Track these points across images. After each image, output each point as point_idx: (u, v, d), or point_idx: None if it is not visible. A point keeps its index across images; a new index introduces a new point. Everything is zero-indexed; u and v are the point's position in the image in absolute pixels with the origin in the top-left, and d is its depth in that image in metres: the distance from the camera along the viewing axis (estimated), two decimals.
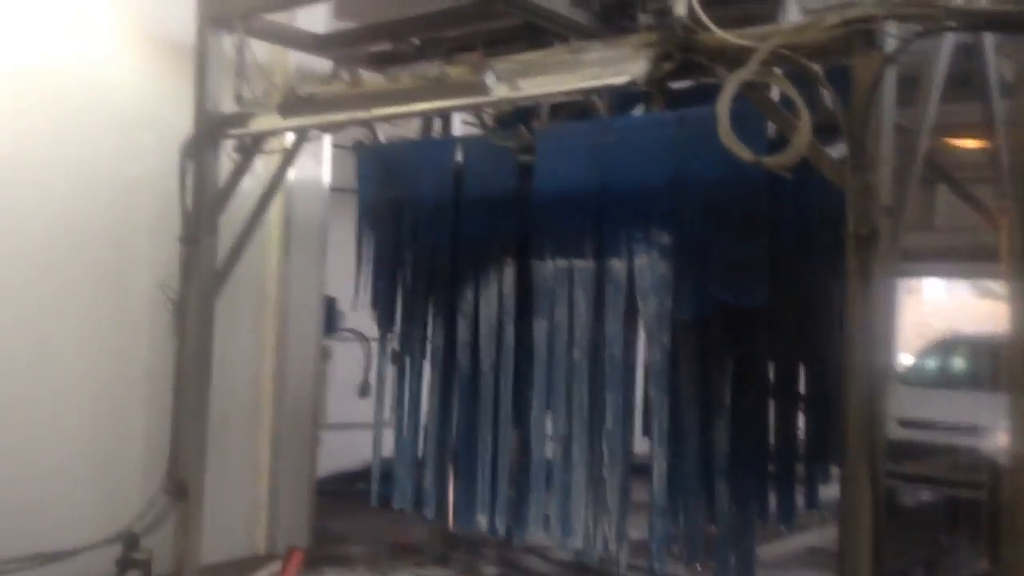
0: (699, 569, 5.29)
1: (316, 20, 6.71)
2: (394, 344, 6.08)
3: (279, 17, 6.30)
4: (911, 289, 17.90)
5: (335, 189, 7.46)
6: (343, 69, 6.31)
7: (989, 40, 4.71)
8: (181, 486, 5.74)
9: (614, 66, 3.96)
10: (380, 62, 6.37)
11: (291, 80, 6.57)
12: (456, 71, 4.23)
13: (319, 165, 7.19)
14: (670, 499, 4.84)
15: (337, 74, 6.30)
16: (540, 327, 5.18)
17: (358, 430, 9.10)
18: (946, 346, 11.43)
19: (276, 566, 5.87)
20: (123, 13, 6.06)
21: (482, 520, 5.47)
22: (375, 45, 6.27)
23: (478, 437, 5.48)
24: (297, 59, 6.89)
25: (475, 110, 5.60)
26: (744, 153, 3.60)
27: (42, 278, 5.78)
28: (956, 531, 7.11)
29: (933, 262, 10.77)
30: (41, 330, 5.79)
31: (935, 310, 21.67)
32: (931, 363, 11.09)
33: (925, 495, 8.63)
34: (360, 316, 8.16)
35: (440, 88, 4.23)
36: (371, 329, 9.92)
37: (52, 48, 5.80)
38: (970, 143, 5.74)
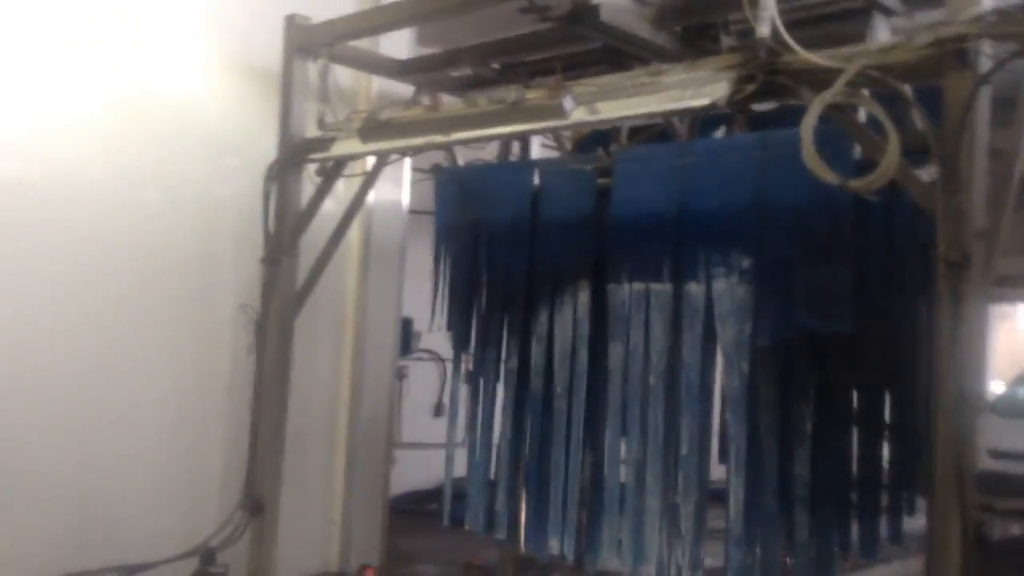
0: None
1: (399, 46, 6.85)
2: (468, 365, 6.10)
3: (363, 44, 6.44)
4: (1003, 315, 17.23)
5: (413, 211, 7.57)
6: (424, 94, 6.42)
7: None
8: (257, 502, 5.84)
9: (694, 88, 3.92)
10: (461, 87, 6.44)
11: (373, 105, 6.73)
12: (534, 95, 4.24)
13: (398, 188, 7.30)
14: (747, 528, 4.72)
15: (418, 99, 6.40)
16: (615, 351, 5.14)
17: (432, 449, 9.19)
18: None
19: None
20: (213, 44, 6.28)
21: (554, 544, 5.43)
22: (456, 70, 6.33)
23: (551, 460, 5.44)
24: (380, 84, 7.04)
25: (553, 134, 5.61)
26: (829, 176, 3.52)
27: (132, 296, 5.99)
28: None
29: None
30: (129, 347, 5.98)
31: None
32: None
33: (1017, 529, 8.30)
34: (436, 337, 8.22)
35: (518, 112, 4.25)
36: (447, 350, 10.02)
37: (146, 78, 6.04)
38: None
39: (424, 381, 10.15)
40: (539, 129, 4.65)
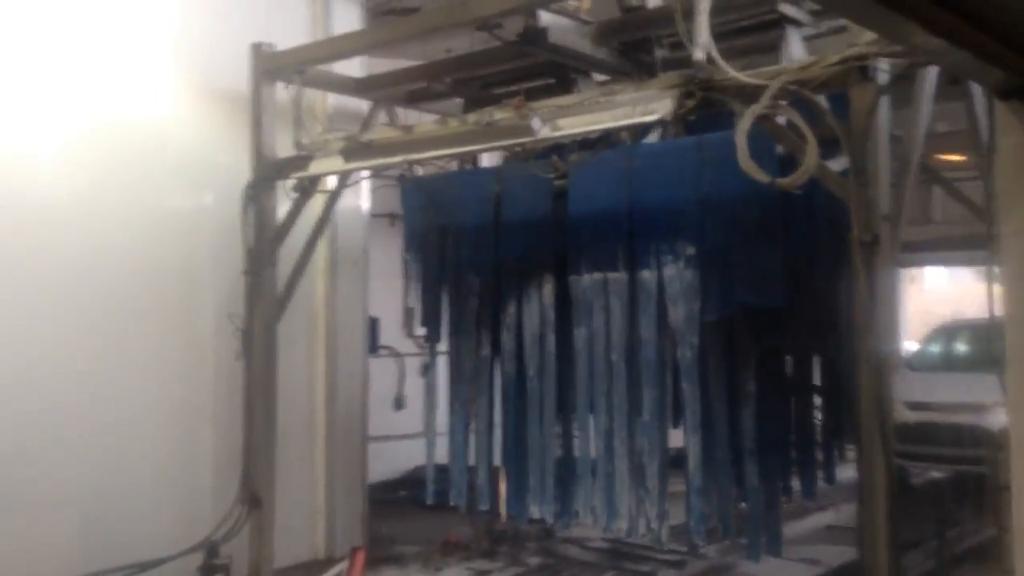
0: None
1: (352, 62, 7.28)
2: (444, 356, 6.63)
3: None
4: (912, 278, 18.32)
5: (374, 215, 8.03)
6: (380, 108, 6.90)
7: None
8: (255, 496, 6.27)
9: (643, 105, 4.53)
10: (414, 100, 6.93)
11: (330, 119, 7.19)
12: (502, 115, 4.79)
13: (359, 195, 7.76)
14: (704, 480, 5.38)
15: (375, 113, 6.88)
16: (580, 335, 5.75)
17: (394, 441, 9.66)
18: (947, 331, 11.92)
19: (343, 566, 6.40)
20: (182, 72, 6.66)
21: (533, 510, 6.02)
22: (410, 85, 6.81)
23: (527, 436, 6.03)
24: (334, 99, 7.48)
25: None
26: (761, 176, 4.14)
27: (120, 310, 6.33)
28: (963, 504, 7.65)
29: (933, 252, 11.28)
30: (120, 358, 6.33)
31: (938, 298, 22.20)
32: (934, 348, 11.58)
33: (935, 472, 9.17)
34: (393, 335, 8.64)
35: (489, 132, 4.80)
36: (405, 346, 10.43)
37: (122, 106, 6.39)
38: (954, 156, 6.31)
39: (383, 377, 10.57)
40: (507, 146, 5.20)
